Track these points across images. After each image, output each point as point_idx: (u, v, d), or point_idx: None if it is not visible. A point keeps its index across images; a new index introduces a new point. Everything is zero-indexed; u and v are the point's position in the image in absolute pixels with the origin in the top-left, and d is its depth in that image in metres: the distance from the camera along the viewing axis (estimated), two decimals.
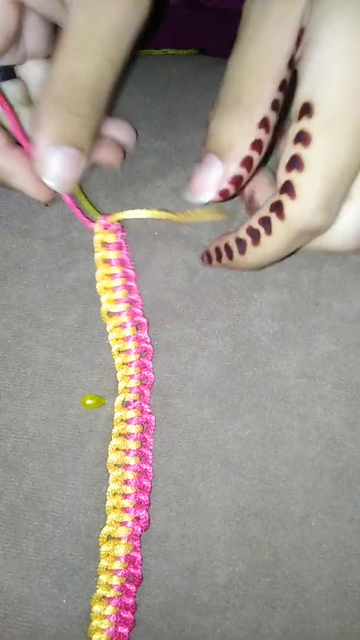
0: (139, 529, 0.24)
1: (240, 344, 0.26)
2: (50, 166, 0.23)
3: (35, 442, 0.25)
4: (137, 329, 0.26)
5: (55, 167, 0.23)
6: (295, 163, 0.21)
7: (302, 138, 0.20)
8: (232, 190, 0.23)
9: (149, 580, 0.24)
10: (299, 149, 0.21)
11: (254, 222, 0.23)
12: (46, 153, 0.23)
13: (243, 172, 0.23)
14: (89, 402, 0.25)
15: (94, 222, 0.27)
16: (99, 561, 0.24)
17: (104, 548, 0.24)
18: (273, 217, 0.22)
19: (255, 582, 0.23)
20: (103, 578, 0.23)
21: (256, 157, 0.23)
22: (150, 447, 0.25)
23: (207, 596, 0.23)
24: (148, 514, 0.24)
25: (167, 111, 0.32)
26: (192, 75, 0.34)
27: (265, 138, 0.23)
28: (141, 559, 0.24)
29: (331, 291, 0.27)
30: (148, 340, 0.26)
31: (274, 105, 0.22)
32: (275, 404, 0.25)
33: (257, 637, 0.23)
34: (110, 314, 0.26)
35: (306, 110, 0.20)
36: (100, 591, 0.23)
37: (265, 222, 0.22)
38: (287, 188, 0.21)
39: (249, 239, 0.23)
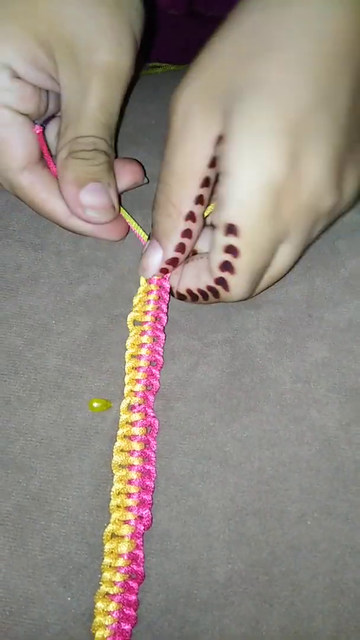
0: (142, 528, 0.25)
1: (238, 353, 0.28)
2: (85, 205, 0.28)
3: (43, 445, 0.26)
4: (154, 340, 0.28)
5: (88, 203, 0.28)
6: (227, 266, 0.25)
7: (231, 250, 0.25)
8: (170, 269, 0.28)
9: (150, 578, 0.24)
10: (229, 257, 0.25)
11: (216, 274, 0.26)
12: (76, 196, 0.28)
13: (178, 255, 0.28)
14: (95, 405, 0.27)
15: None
16: (103, 559, 0.24)
17: (108, 546, 0.24)
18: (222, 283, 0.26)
19: (254, 580, 0.24)
20: (107, 575, 0.24)
21: (187, 242, 0.27)
22: (153, 449, 0.26)
23: (206, 594, 0.24)
24: (151, 513, 0.25)
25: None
26: None
27: (194, 226, 0.27)
28: (143, 557, 0.24)
29: (323, 304, 0.29)
30: (161, 353, 0.28)
31: (199, 199, 0.26)
32: (272, 408, 0.27)
33: (255, 633, 0.24)
34: (135, 323, 0.28)
35: (231, 230, 0.24)
36: (104, 588, 0.24)
37: (220, 281, 0.26)
38: (221, 282, 0.26)
39: (225, 273, 0.26)
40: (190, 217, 0.26)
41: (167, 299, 0.29)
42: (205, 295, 0.27)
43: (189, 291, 0.28)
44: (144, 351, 0.27)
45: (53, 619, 0.24)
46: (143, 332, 0.28)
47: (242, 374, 0.27)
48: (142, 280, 0.29)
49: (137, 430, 0.26)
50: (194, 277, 0.28)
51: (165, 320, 0.28)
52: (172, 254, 0.27)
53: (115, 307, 0.29)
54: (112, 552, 0.24)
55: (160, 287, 0.29)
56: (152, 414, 0.27)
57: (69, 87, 0.28)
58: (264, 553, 0.25)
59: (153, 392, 0.27)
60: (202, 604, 0.24)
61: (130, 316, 0.28)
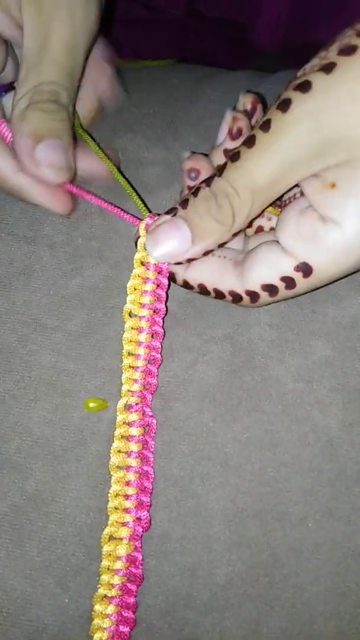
0: (140, 530, 0.24)
1: (239, 350, 0.27)
2: (40, 161, 0.26)
3: (39, 444, 0.26)
4: (152, 336, 0.26)
5: (44, 160, 0.26)
6: (271, 290, 0.25)
7: (287, 282, 0.24)
8: (183, 262, 0.26)
9: (149, 580, 0.24)
10: (279, 284, 0.24)
11: (271, 279, 0.25)
12: (32, 149, 0.25)
13: (201, 257, 0.25)
14: (92, 405, 0.26)
15: (140, 219, 0.27)
16: (101, 561, 0.24)
17: (106, 548, 0.24)
18: (297, 276, 0.24)
19: (254, 582, 0.24)
20: (105, 577, 0.24)
21: (216, 249, 0.25)
22: (152, 449, 0.25)
23: (206, 596, 0.24)
24: (149, 515, 0.25)
25: (170, 121, 0.33)
26: (195, 86, 0.35)
27: (230, 239, 0.25)
28: (142, 559, 0.24)
29: (326, 299, 0.28)
30: (159, 349, 0.26)
31: (251, 222, 0.25)
32: (274, 408, 0.26)
33: (255, 636, 0.23)
34: (131, 315, 0.26)
35: (305, 270, 0.24)
36: (102, 590, 0.24)
37: (288, 279, 0.25)
38: (253, 296, 0.25)
39: (264, 293, 0.25)
40: (236, 234, 0.25)
41: (167, 285, 0.27)
42: (221, 297, 0.26)
43: (202, 287, 0.26)
44: (141, 350, 0.26)
45: (50, 621, 0.24)
46: (141, 329, 0.26)
47: (242, 372, 0.27)
48: (137, 263, 0.26)
49: (135, 431, 0.25)
50: (215, 273, 0.26)
51: (165, 312, 0.27)
52: (197, 254, 0.25)
53: (111, 298, 0.28)
54: (110, 554, 0.24)
55: (158, 272, 0.26)
56: (150, 414, 0.26)
57: (31, 27, 0.26)
58: (264, 555, 0.24)
59: (151, 391, 0.26)
60: (202, 606, 0.24)
61: (126, 307, 0.26)
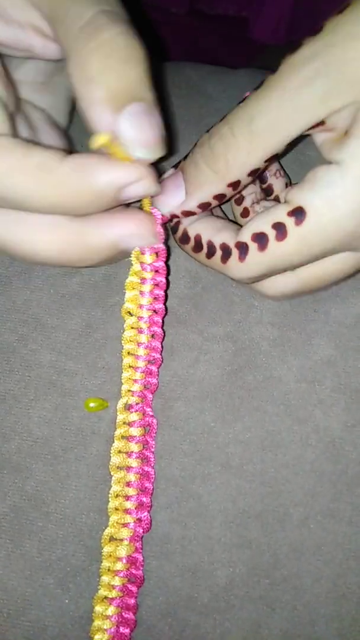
0: (141, 531, 0.24)
1: (241, 349, 0.27)
2: (126, 134, 0.20)
3: (38, 444, 0.25)
4: (152, 336, 0.26)
5: (132, 132, 0.20)
6: (261, 240, 0.23)
7: (279, 229, 0.22)
8: (180, 216, 0.25)
9: (150, 581, 0.24)
10: (271, 234, 0.22)
11: (263, 226, 0.23)
12: (114, 124, 0.19)
13: (197, 211, 0.24)
14: (92, 404, 0.26)
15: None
16: (101, 562, 0.24)
17: (106, 549, 0.24)
18: (289, 222, 0.22)
19: (255, 584, 0.24)
20: (105, 579, 0.24)
21: (213, 204, 0.24)
22: (152, 450, 0.25)
23: (207, 597, 0.24)
24: (150, 516, 0.24)
25: (171, 119, 0.33)
26: (196, 84, 0.35)
27: (230, 193, 0.23)
28: (143, 560, 0.24)
29: (329, 298, 0.27)
30: (160, 349, 0.26)
31: (252, 173, 0.22)
32: (275, 408, 0.26)
33: (256, 637, 0.23)
34: (130, 314, 0.26)
35: (298, 214, 0.21)
36: (102, 592, 0.24)
37: (279, 226, 0.22)
38: (242, 249, 0.23)
39: (253, 245, 0.23)
40: (234, 185, 0.23)
41: (165, 284, 0.26)
42: (212, 252, 0.24)
43: (198, 238, 0.25)
44: (141, 351, 0.26)
45: (51, 622, 0.24)
46: (140, 330, 0.26)
47: (244, 371, 0.26)
48: (134, 259, 0.25)
49: (135, 431, 0.25)
50: (211, 228, 0.25)
51: (164, 311, 0.26)
52: (192, 207, 0.24)
53: (110, 296, 0.28)
54: (110, 555, 0.24)
55: (155, 271, 0.26)
56: (150, 414, 0.26)
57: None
58: (265, 556, 0.24)
59: (151, 390, 0.26)
60: (203, 607, 0.24)
61: (124, 307, 0.26)
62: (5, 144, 0.20)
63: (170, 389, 0.26)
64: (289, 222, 0.22)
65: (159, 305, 0.26)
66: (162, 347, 0.26)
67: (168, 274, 0.27)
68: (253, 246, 0.23)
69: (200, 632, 0.23)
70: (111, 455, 0.25)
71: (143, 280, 0.26)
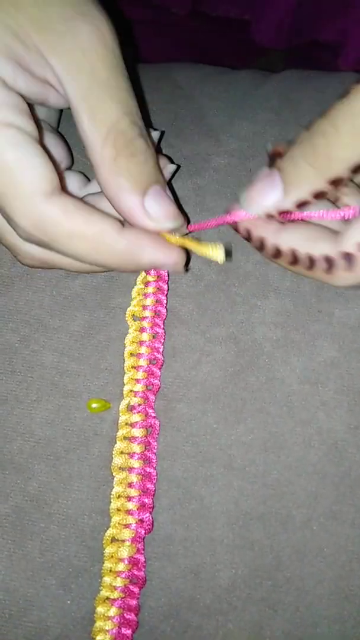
0: (143, 532, 0.24)
1: (243, 350, 0.27)
2: (156, 215, 0.23)
3: (41, 445, 0.25)
4: (154, 337, 0.27)
5: (158, 213, 0.23)
6: None
7: None
8: (276, 216, 0.24)
9: (152, 582, 0.24)
10: None
11: None
12: (141, 205, 0.23)
13: (293, 209, 0.23)
14: (94, 405, 0.26)
15: None
16: (103, 563, 0.24)
17: (108, 550, 0.24)
18: None
19: (257, 585, 0.24)
20: (107, 580, 0.24)
21: (313, 202, 0.23)
22: (154, 451, 0.25)
23: (209, 598, 0.24)
24: (152, 517, 0.24)
25: (173, 119, 0.33)
26: (198, 84, 0.35)
27: (330, 190, 0.23)
28: (144, 561, 0.24)
29: (333, 298, 0.27)
30: (161, 350, 0.27)
31: (357, 168, 0.22)
32: (278, 410, 0.26)
33: (258, 639, 0.23)
34: (134, 318, 0.27)
35: None
36: (104, 593, 0.24)
37: (347, 258, 0.22)
38: (348, 260, 0.23)
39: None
40: (335, 183, 0.22)
41: (166, 289, 0.27)
42: (312, 265, 0.23)
43: (294, 252, 0.24)
44: (143, 349, 0.26)
45: (52, 622, 0.24)
46: (142, 329, 0.27)
47: (247, 373, 0.26)
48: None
49: (138, 432, 0.25)
50: (305, 239, 0.24)
51: (165, 314, 0.27)
52: (289, 206, 0.23)
53: (113, 298, 0.28)
54: (112, 556, 0.24)
55: (158, 277, 0.27)
56: (152, 415, 0.26)
57: (69, 66, 0.22)
58: (268, 558, 0.24)
59: (154, 391, 0.26)
60: (205, 608, 0.24)
61: (129, 310, 0.27)
62: (69, 207, 0.22)
63: (173, 390, 0.26)
64: None
65: (161, 309, 0.27)
66: (163, 348, 0.27)
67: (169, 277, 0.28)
68: None
69: (202, 633, 0.23)
70: (113, 456, 0.25)
71: (147, 284, 0.27)
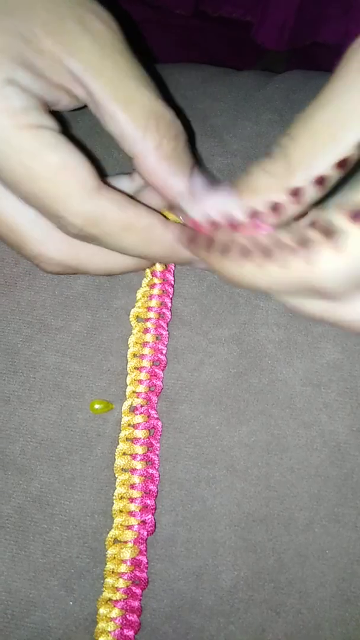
0: (145, 533, 0.24)
1: (246, 352, 0.27)
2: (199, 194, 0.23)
3: (43, 446, 0.25)
4: (157, 338, 0.27)
5: (202, 192, 0.23)
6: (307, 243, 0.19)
7: (330, 236, 0.18)
8: (225, 228, 0.22)
9: (154, 583, 0.24)
10: (322, 243, 0.19)
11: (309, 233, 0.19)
12: (189, 186, 0.23)
13: (246, 222, 0.21)
14: (97, 406, 0.26)
15: None
16: (106, 564, 0.24)
17: (111, 551, 0.24)
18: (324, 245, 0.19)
19: (260, 587, 0.24)
20: (109, 581, 0.24)
21: (270, 219, 0.21)
22: (157, 452, 0.25)
23: (211, 600, 0.24)
24: (154, 518, 0.24)
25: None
26: (200, 85, 0.35)
27: (289, 205, 0.20)
28: (147, 563, 0.24)
29: None
30: (164, 352, 0.27)
31: (319, 180, 0.19)
32: (281, 412, 0.26)
33: None
34: (138, 319, 0.27)
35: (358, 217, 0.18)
36: (107, 594, 0.24)
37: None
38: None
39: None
40: (295, 193, 0.20)
41: (171, 292, 0.28)
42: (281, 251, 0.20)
43: (255, 238, 0.21)
44: (146, 350, 0.26)
45: (55, 624, 0.24)
46: (146, 330, 0.27)
47: (249, 374, 0.26)
48: (147, 272, 0.28)
49: (140, 433, 0.25)
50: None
51: (169, 317, 0.27)
52: (238, 216, 0.21)
53: (115, 299, 0.28)
54: (114, 557, 0.24)
55: (164, 280, 0.28)
56: (155, 416, 0.26)
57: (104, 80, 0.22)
58: (270, 560, 0.24)
59: (156, 393, 0.26)
60: (207, 610, 0.24)
61: (133, 312, 0.27)
62: (121, 200, 0.22)
63: (175, 391, 0.26)
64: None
65: (166, 311, 0.27)
66: (166, 349, 0.27)
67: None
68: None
69: (204, 635, 0.23)
70: (116, 457, 0.25)
71: (152, 286, 0.27)
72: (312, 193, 0.20)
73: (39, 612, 0.24)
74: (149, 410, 0.26)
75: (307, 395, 0.26)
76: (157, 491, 0.25)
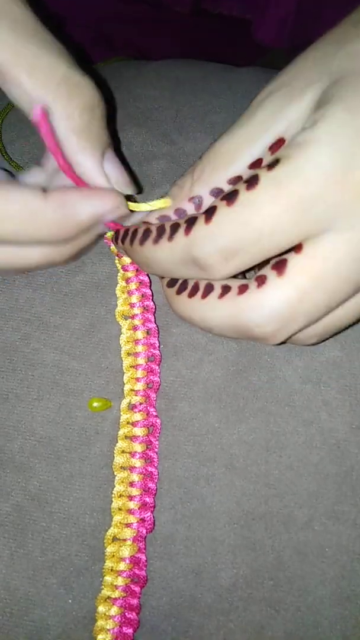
0: (144, 531, 0.24)
1: (245, 350, 0.27)
2: (111, 175, 0.24)
3: (42, 444, 0.25)
4: (147, 333, 0.26)
5: (115, 173, 0.24)
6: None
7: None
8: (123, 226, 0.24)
9: (153, 581, 0.24)
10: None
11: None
12: (100, 164, 0.23)
13: (154, 221, 0.24)
14: (95, 404, 0.26)
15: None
16: (104, 562, 0.24)
17: (110, 549, 0.24)
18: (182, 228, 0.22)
19: (259, 585, 0.24)
20: (108, 579, 0.24)
21: (172, 217, 0.23)
22: (156, 450, 0.25)
23: (211, 598, 0.24)
24: (153, 516, 0.24)
25: (175, 116, 0.33)
26: (200, 81, 0.35)
27: (191, 211, 0.23)
28: (146, 561, 0.24)
29: None
30: (157, 346, 0.26)
31: (215, 192, 0.22)
32: (280, 409, 0.26)
33: (260, 639, 0.23)
34: (124, 316, 0.27)
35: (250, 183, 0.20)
36: (105, 592, 0.24)
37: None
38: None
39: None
40: (195, 200, 0.23)
41: (148, 281, 0.27)
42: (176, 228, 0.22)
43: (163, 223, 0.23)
44: (140, 348, 0.26)
45: (54, 621, 0.24)
46: (135, 327, 0.27)
47: (249, 372, 0.26)
48: (118, 266, 0.27)
49: (139, 431, 0.25)
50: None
51: (153, 307, 0.27)
52: (151, 219, 0.24)
53: (114, 296, 0.28)
54: (113, 555, 0.24)
55: (137, 271, 0.27)
56: (154, 414, 0.26)
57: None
58: (269, 558, 0.24)
59: (154, 389, 0.26)
60: (207, 608, 0.24)
61: (118, 311, 0.27)
62: None
63: (174, 389, 0.26)
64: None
65: (148, 302, 0.27)
66: (159, 343, 0.26)
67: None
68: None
69: (204, 633, 0.23)
70: (115, 455, 0.25)
71: (128, 281, 0.27)
72: (209, 202, 0.23)
73: (38, 610, 0.24)
74: (148, 407, 0.26)
75: (306, 393, 0.26)
76: (156, 489, 0.25)
